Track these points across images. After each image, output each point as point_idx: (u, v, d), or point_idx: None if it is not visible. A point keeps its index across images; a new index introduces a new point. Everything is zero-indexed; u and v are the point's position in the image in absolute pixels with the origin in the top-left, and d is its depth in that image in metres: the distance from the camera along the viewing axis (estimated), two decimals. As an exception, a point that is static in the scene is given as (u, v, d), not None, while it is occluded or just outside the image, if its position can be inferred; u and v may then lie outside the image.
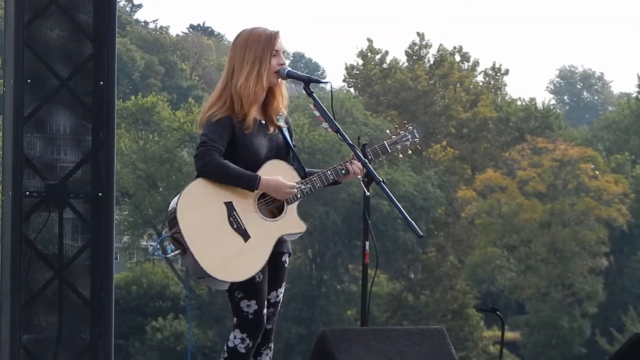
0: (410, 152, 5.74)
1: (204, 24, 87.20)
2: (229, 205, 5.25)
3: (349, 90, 52.27)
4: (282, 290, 5.53)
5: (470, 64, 51.86)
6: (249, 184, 5.26)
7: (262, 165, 5.36)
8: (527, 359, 44.92)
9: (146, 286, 44.93)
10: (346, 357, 6.55)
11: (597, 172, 46.46)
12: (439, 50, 50.93)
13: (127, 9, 73.11)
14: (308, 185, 5.43)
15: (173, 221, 5.22)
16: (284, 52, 5.47)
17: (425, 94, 49.04)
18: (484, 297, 46.30)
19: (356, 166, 5.49)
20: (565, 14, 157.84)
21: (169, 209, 5.28)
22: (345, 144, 5.43)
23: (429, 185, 45.06)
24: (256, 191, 5.30)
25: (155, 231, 47.22)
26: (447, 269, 45.40)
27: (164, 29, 72.89)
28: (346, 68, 51.77)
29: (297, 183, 5.41)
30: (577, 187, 45.58)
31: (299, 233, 5.43)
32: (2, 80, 6.76)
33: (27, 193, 6.43)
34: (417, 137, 5.72)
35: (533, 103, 52.03)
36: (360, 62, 51.29)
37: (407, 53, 51.24)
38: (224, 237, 5.22)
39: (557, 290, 44.42)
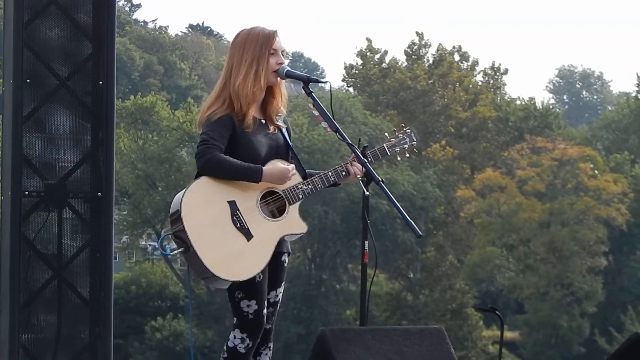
0: (407, 155, 5.78)
1: (203, 23, 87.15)
2: (232, 204, 5.26)
3: (348, 90, 52.28)
4: (281, 289, 5.53)
5: (469, 63, 51.88)
6: (253, 176, 5.25)
7: (263, 165, 5.35)
8: (526, 358, 44.92)
9: (145, 286, 44.93)
10: (345, 356, 6.55)
11: (596, 172, 46.46)
12: (438, 50, 50.97)
13: (126, 8, 73.13)
14: (310, 186, 5.43)
15: (177, 220, 5.21)
16: (282, 51, 5.47)
17: (425, 94, 49.04)
18: (483, 297, 46.30)
19: (357, 168, 5.51)
20: (565, 13, 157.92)
21: (172, 207, 5.27)
22: (344, 143, 5.44)
23: (428, 185, 45.07)
24: (258, 192, 5.30)
25: (154, 231, 47.21)
26: (446, 269, 45.41)
27: (163, 28, 72.99)
28: (345, 68, 51.82)
29: (298, 184, 5.42)
30: (576, 186, 45.58)
31: (300, 233, 5.44)
32: (1, 80, 6.76)
33: (27, 193, 6.43)
34: (415, 140, 5.75)
35: (532, 102, 52.04)
36: (360, 61, 51.31)
37: (406, 53, 51.28)
38: (227, 236, 5.22)
39: (556, 290, 44.42)
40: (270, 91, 5.48)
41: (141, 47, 66.25)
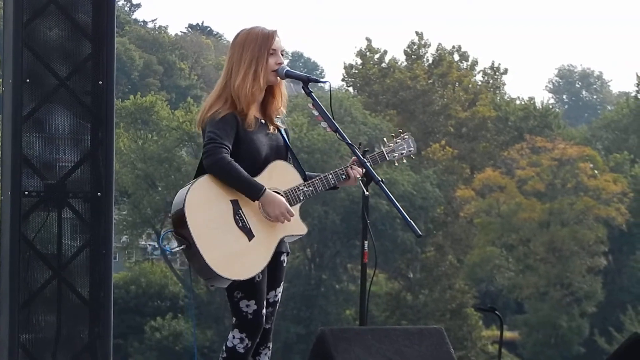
0: (405, 161, 5.83)
1: (202, 23, 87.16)
2: (235, 204, 5.26)
3: (347, 90, 52.26)
4: (280, 289, 5.54)
5: (469, 63, 51.88)
6: (253, 193, 5.23)
7: (263, 164, 5.37)
8: (526, 358, 44.91)
9: (145, 286, 44.91)
10: (345, 356, 6.55)
11: (596, 172, 46.45)
12: (437, 50, 50.95)
13: (126, 8, 73.12)
14: (310, 188, 5.45)
15: (179, 217, 5.21)
16: (282, 51, 5.47)
17: (424, 94, 49.04)
18: (482, 297, 46.29)
19: (357, 172, 5.53)
20: (564, 13, 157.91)
21: (175, 205, 5.27)
22: (344, 143, 5.45)
23: (427, 185, 45.06)
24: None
25: (154, 231, 47.21)
26: (445, 269, 45.40)
27: (163, 28, 73.00)
28: (345, 67, 51.81)
29: (299, 185, 5.43)
30: (575, 186, 45.58)
31: (301, 235, 5.45)
32: (1, 80, 6.75)
33: (26, 193, 6.42)
34: (412, 147, 5.79)
35: (532, 102, 52.03)
36: (359, 61, 51.30)
37: (405, 52, 51.27)
38: (229, 235, 5.23)
39: (556, 290, 44.41)
40: (270, 91, 5.49)
41: (141, 47, 66.25)
